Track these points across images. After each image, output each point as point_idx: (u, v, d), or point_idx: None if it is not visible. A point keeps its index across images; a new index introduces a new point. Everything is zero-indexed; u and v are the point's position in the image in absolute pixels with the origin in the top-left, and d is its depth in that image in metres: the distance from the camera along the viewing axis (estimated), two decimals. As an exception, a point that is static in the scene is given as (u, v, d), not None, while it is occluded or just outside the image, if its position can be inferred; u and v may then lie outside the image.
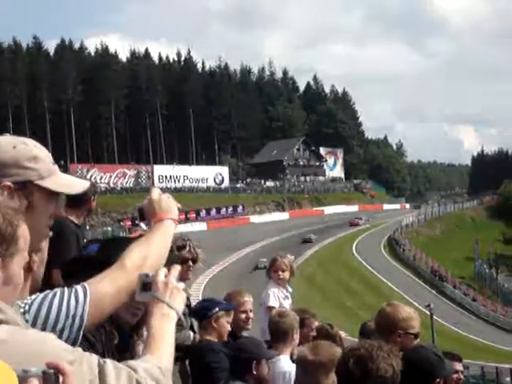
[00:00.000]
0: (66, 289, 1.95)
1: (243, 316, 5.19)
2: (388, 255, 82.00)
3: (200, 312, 4.69)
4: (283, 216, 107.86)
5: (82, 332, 1.91)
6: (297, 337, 4.96)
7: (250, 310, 5.27)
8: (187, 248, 4.74)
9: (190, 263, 4.72)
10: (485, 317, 65.22)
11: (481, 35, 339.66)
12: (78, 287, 1.95)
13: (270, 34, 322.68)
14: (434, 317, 42.31)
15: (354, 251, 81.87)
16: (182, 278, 4.44)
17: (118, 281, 2.01)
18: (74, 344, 1.81)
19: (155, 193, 2.40)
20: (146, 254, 2.12)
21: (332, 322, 6.43)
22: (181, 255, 4.62)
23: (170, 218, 2.32)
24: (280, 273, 6.33)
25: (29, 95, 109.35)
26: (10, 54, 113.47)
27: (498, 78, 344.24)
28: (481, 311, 66.30)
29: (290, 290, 6.56)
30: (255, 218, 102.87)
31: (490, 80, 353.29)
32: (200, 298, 37.58)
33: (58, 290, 1.94)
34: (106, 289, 1.98)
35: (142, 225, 2.48)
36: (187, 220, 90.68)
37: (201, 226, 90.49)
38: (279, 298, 6.27)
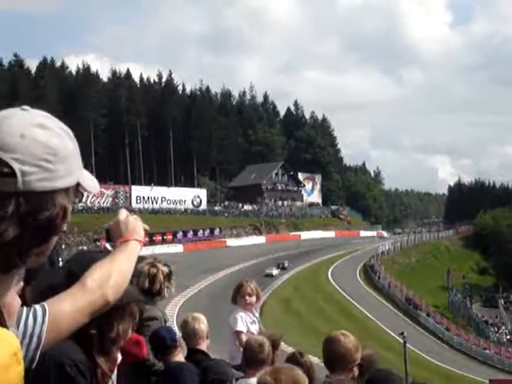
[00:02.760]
0: (24, 308, 1.87)
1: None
2: (363, 282, 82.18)
3: (167, 339, 4.58)
4: (260, 240, 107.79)
5: (39, 351, 1.85)
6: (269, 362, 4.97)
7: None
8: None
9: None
10: (458, 346, 65.42)
11: (452, 66, 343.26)
12: (37, 307, 1.90)
13: (248, 59, 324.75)
14: (408, 345, 42.50)
15: (330, 277, 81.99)
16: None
17: (79, 301, 1.97)
18: (31, 363, 1.80)
19: (122, 214, 2.39)
20: (109, 273, 2.08)
21: (305, 348, 6.50)
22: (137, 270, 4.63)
23: (135, 239, 2.30)
24: (247, 297, 6.30)
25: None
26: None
27: (471, 108, 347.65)
28: (454, 341, 66.51)
29: (256, 315, 6.54)
30: (232, 241, 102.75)
31: (464, 110, 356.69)
32: (174, 320, 37.41)
33: (17, 309, 1.81)
34: (65, 309, 1.93)
35: (108, 246, 2.46)
36: (163, 241, 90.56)
37: (177, 248, 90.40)
38: (247, 323, 6.24)
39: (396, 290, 79.27)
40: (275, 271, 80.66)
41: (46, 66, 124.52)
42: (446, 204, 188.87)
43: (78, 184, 1.62)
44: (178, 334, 4.83)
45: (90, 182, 1.86)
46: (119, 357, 2.31)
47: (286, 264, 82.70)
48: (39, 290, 2.20)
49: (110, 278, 2.07)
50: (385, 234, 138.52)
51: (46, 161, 1.40)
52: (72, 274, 2.13)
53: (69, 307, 1.94)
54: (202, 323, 5.07)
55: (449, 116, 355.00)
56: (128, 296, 2.23)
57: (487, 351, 64.30)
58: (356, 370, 4.10)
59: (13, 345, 1.26)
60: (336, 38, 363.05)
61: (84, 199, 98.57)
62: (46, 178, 1.39)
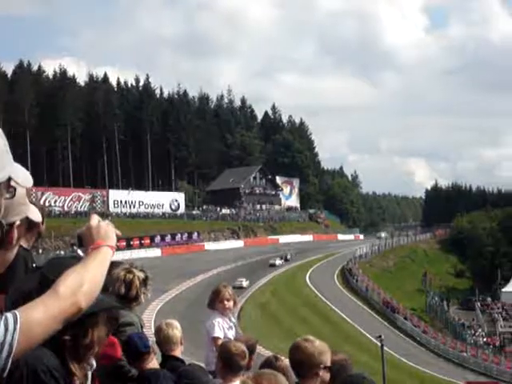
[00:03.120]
0: None
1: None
2: (341, 285, 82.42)
3: (140, 345, 4.58)
4: (238, 244, 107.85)
5: (10, 360, 1.84)
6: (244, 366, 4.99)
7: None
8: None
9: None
10: (435, 349, 65.72)
11: (428, 70, 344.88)
12: (9, 314, 1.88)
13: (225, 63, 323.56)
14: (385, 348, 42.68)
15: (308, 280, 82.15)
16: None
17: (51, 308, 1.96)
18: (2, 371, 1.80)
19: (94, 219, 2.40)
20: (81, 280, 2.08)
21: (282, 352, 6.54)
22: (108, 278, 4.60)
23: (107, 245, 2.30)
24: (226, 302, 6.30)
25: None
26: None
27: (447, 112, 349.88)
28: (431, 343, 66.82)
29: (233, 320, 6.54)
30: (210, 245, 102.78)
31: (439, 114, 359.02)
32: (152, 325, 37.44)
33: None
34: (37, 316, 1.91)
35: (80, 251, 2.44)
36: (141, 245, 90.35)
37: (155, 252, 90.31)
38: (224, 329, 6.25)
39: (373, 293, 79.59)
40: (278, 261, 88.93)
41: (22, 69, 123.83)
42: (423, 207, 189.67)
43: (10, 179, 1.57)
44: (152, 340, 4.81)
45: (22, 175, 1.83)
46: (94, 364, 2.32)
47: (289, 256, 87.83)
48: (13, 297, 2.20)
49: (82, 284, 2.06)
50: (361, 237, 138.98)
51: None
52: (45, 280, 2.11)
53: (41, 314, 1.91)
54: (176, 329, 5.08)
55: (425, 119, 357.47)
56: (102, 302, 2.22)
57: (464, 354, 64.64)
58: (325, 374, 4.12)
59: None
60: (313, 42, 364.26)
61: (61, 203, 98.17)
62: None
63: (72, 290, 2.02)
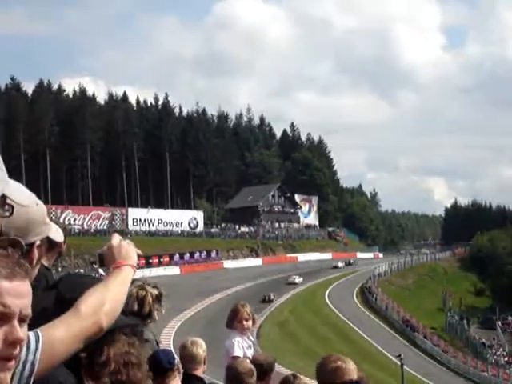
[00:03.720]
0: None
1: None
2: (360, 304, 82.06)
3: (164, 361, 4.57)
4: (257, 262, 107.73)
5: (32, 379, 1.81)
6: None
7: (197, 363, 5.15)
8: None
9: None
10: (455, 368, 65.15)
11: (446, 88, 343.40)
12: (31, 334, 1.84)
13: (244, 82, 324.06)
14: (405, 367, 42.48)
15: (327, 299, 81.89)
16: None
17: (73, 327, 1.95)
18: None
19: (115, 239, 2.39)
20: (103, 299, 2.08)
21: (302, 370, 6.52)
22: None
23: (128, 265, 2.31)
24: (244, 322, 6.23)
25: (5, 135, 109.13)
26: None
27: (464, 130, 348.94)
28: (451, 362, 66.26)
29: (252, 339, 6.49)
30: (229, 264, 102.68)
31: (457, 132, 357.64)
32: (171, 343, 37.38)
33: None
34: (59, 335, 1.90)
35: (101, 271, 2.46)
36: (160, 263, 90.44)
37: (174, 270, 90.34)
38: (243, 348, 6.19)
39: (393, 311, 79.15)
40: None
41: (42, 88, 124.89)
42: (442, 225, 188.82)
43: (4, 196, 1.56)
44: (177, 357, 4.78)
45: (17, 192, 1.82)
46: (108, 381, 2.28)
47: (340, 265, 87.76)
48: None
49: (103, 304, 2.06)
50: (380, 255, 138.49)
51: None
52: (60, 298, 2.13)
53: (63, 333, 1.90)
54: (201, 348, 5.08)
55: (443, 138, 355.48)
56: (118, 320, 2.19)
57: (485, 373, 64.04)
58: None
59: None
60: (330, 60, 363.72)
61: (80, 222, 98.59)
62: None
63: (93, 309, 2.02)
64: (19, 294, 1.52)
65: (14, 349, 1.53)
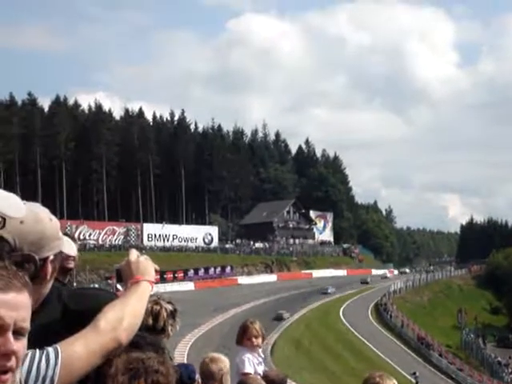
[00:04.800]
0: (37, 350, 1.87)
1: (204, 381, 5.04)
2: (375, 321, 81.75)
3: (184, 376, 4.48)
4: (271, 278, 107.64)
5: None
6: None
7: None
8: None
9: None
10: (471, 387, 64.73)
11: (460, 105, 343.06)
12: (50, 349, 1.89)
13: (258, 98, 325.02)
14: (419, 385, 42.22)
15: (341, 316, 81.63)
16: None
17: (91, 343, 1.96)
18: None
19: (133, 254, 2.41)
20: (122, 315, 2.09)
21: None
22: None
23: (146, 280, 2.32)
24: (253, 339, 6.14)
25: (22, 150, 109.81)
26: (5, 110, 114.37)
27: (479, 147, 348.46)
28: (467, 381, 65.74)
29: (262, 355, 6.38)
30: (243, 279, 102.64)
31: (471, 149, 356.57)
32: (185, 359, 37.33)
33: (29, 352, 1.83)
34: (78, 351, 1.92)
35: (119, 286, 2.43)
36: (175, 279, 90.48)
37: (188, 286, 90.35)
38: (254, 364, 6.10)
39: (408, 329, 78.74)
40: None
41: (58, 104, 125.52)
42: (458, 243, 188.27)
43: None
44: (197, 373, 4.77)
45: (13, 206, 1.83)
46: None
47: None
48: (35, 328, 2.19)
49: (122, 319, 2.08)
50: (395, 272, 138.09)
51: None
52: (66, 309, 2.14)
53: (82, 349, 1.92)
54: (220, 364, 5.03)
55: (458, 154, 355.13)
56: (139, 336, 2.20)
57: (501, 392, 63.60)
58: None
59: None
60: (344, 76, 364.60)
61: (95, 237, 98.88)
62: None
63: (112, 325, 2.04)
64: (14, 305, 1.52)
65: (7, 360, 1.52)
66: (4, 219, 1.80)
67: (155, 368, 2.10)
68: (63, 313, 2.13)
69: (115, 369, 2.13)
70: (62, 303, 2.25)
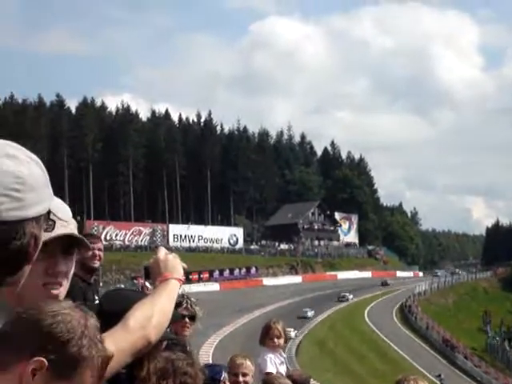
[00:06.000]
0: None
1: (233, 378, 5.10)
2: (399, 323, 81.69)
3: (209, 377, 4.45)
4: (296, 279, 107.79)
5: None
6: None
7: (244, 374, 5.18)
8: (184, 305, 4.73)
9: (187, 320, 4.68)
10: (496, 390, 64.50)
11: (484, 108, 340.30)
12: None
13: (283, 100, 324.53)
14: (444, 387, 42.32)
15: (366, 317, 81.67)
16: (178, 335, 4.50)
17: (121, 341, 1.99)
18: None
19: (161, 252, 2.44)
20: (151, 313, 2.12)
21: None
22: (177, 312, 4.45)
23: (174, 278, 2.35)
24: (275, 340, 6.23)
25: (49, 151, 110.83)
26: (33, 111, 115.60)
27: (502, 150, 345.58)
28: (492, 384, 65.59)
29: (284, 355, 6.48)
30: (268, 281, 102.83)
31: (495, 152, 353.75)
32: (210, 359, 37.82)
33: None
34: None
35: (147, 284, 2.55)
36: (200, 280, 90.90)
37: (213, 287, 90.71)
38: (276, 364, 6.20)
39: (433, 331, 78.59)
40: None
41: (86, 105, 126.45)
42: (483, 245, 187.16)
43: (49, 212, 1.56)
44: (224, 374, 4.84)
45: (62, 210, 1.87)
46: None
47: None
48: None
49: (151, 318, 2.11)
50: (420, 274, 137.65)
51: (15, 190, 1.36)
52: (103, 311, 2.16)
53: (111, 347, 1.83)
54: (249, 361, 5.21)
55: (481, 157, 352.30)
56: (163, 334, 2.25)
57: (526, 395, 63.30)
58: None
59: None
60: (369, 79, 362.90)
61: (122, 237, 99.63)
62: (16, 208, 1.36)
63: (141, 323, 2.07)
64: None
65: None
66: (54, 222, 1.81)
67: (184, 370, 2.22)
68: (97, 313, 2.03)
69: (147, 369, 2.26)
70: (98, 304, 2.43)
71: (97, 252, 5.46)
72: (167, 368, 2.14)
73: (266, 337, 6.24)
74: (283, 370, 6.21)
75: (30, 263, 1.44)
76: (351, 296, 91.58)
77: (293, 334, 76.49)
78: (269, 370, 6.02)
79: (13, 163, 1.42)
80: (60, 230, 1.90)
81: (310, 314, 78.49)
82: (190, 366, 2.15)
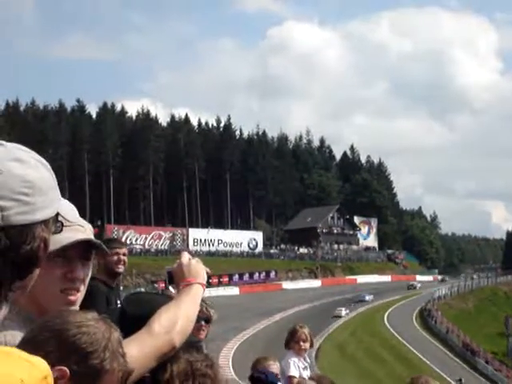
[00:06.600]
0: None
1: None
2: (419, 327, 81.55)
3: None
4: (315, 283, 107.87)
5: None
6: None
7: (276, 375, 5.34)
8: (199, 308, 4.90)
9: (203, 323, 4.65)
10: (518, 394, 64.19)
11: (504, 112, 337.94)
12: None
13: (301, 104, 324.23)
14: (464, 391, 42.29)
15: (386, 321, 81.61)
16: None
17: (146, 345, 2.00)
18: None
19: (185, 257, 2.45)
20: (175, 318, 2.13)
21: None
22: None
23: (198, 283, 2.36)
24: (301, 343, 6.28)
25: (70, 156, 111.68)
26: (54, 116, 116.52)
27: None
28: (514, 388, 65.26)
29: (308, 360, 6.52)
30: (287, 284, 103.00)
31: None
32: (230, 362, 38.08)
33: None
34: (132, 353, 1.88)
35: (171, 288, 2.54)
36: (220, 284, 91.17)
37: (233, 291, 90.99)
38: (299, 368, 6.24)
39: (453, 335, 78.37)
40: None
41: (106, 110, 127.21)
42: (503, 249, 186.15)
43: (58, 214, 1.57)
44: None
45: (70, 212, 1.90)
46: None
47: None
48: None
49: (176, 322, 2.12)
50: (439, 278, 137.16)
51: (24, 194, 1.36)
52: (125, 315, 2.19)
53: (136, 352, 1.93)
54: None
55: (500, 161, 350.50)
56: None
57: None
58: None
59: (42, 369, 1.22)
60: (386, 84, 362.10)
61: (142, 241, 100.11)
62: (25, 212, 1.35)
63: (166, 328, 2.08)
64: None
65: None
66: (62, 223, 1.86)
67: (203, 371, 2.21)
68: (120, 317, 2.18)
69: (170, 372, 2.22)
70: (120, 307, 2.43)
71: (122, 257, 5.62)
72: (186, 370, 2.16)
73: (292, 340, 6.30)
74: (306, 374, 6.25)
75: (39, 267, 1.44)
76: (419, 285, 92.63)
77: (343, 312, 77.82)
78: (292, 374, 6.10)
79: (21, 167, 1.41)
80: (78, 235, 1.88)
81: (343, 313, 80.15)
82: (209, 367, 2.18)
